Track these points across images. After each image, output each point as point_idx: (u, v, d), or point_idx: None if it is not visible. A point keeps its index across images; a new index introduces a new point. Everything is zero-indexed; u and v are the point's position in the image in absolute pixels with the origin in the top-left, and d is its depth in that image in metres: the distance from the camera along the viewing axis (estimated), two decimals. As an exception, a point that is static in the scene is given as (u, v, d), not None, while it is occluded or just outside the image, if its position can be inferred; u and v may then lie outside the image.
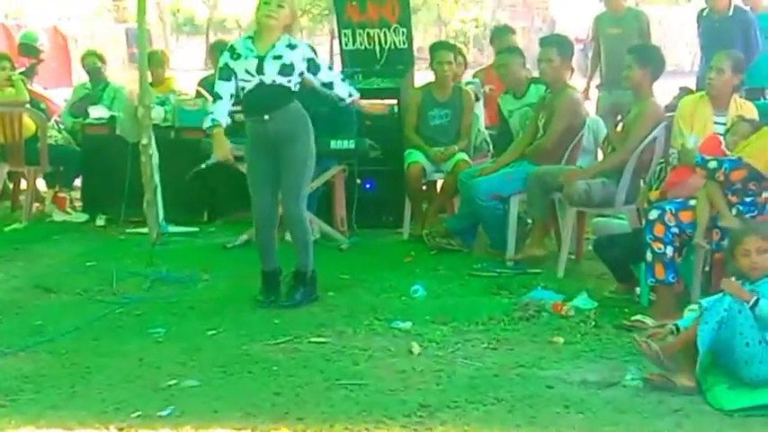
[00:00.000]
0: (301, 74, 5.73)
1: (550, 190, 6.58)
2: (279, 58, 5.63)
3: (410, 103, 7.86)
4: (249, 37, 5.77)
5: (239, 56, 5.68)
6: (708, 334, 4.20)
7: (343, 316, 5.57)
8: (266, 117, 5.68)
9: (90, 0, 36.29)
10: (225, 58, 5.74)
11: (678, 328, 4.42)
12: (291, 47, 5.68)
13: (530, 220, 7.00)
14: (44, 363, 4.85)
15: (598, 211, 6.73)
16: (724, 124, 5.78)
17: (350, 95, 6.09)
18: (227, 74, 5.72)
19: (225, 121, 5.78)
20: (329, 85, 5.96)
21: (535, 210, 6.74)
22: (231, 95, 5.75)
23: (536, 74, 7.47)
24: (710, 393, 4.24)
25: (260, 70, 5.63)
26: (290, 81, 5.67)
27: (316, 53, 5.87)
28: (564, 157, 6.85)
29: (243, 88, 5.71)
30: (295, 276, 5.93)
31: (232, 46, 5.82)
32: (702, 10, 8.97)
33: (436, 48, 8.03)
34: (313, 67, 5.79)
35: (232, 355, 4.92)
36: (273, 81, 5.63)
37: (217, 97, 5.79)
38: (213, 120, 5.76)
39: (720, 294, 4.33)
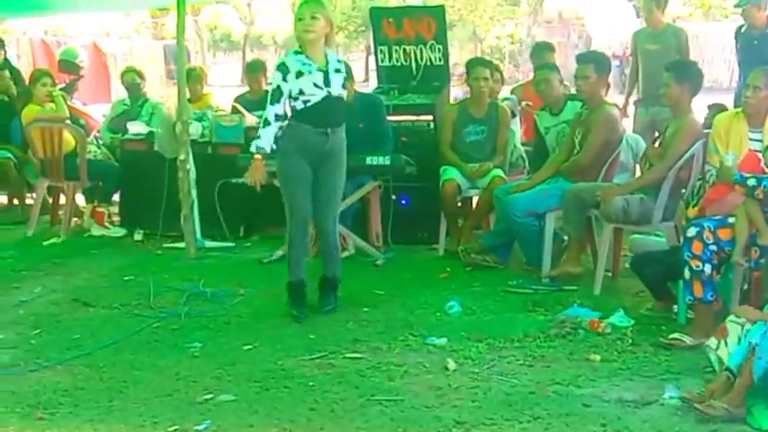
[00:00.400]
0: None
1: (587, 207, 6.55)
2: (339, 71, 5.82)
3: (445, 119, 7.86)
4: (297, 52, 5.79)
5: (300, 73, 5.70)
6: (763, 369, 4.14)
7: (379, 332, 5.57)
8: (329, 131, 5.78)
9: (129, 17, 36.67)
10: (277, 79, 5.75)
11: (732, 373, 4.29)
12: (339, 61, 5.89)
13: (566, 237, 6.97)
14: (82, 376, 4.89)
15: (635, 228, 6.68)
16: (760, 141, 5.73)
17: None
18: (278, 96, 5.74)
19: (269, 147, 5.82)
20: None
21: (571, 226, 6.71)
22: (277, 117, 5.76)
23: (573, 90, 7.46)
24: (750, 414, 4.18)
25: (327, 83, 5.73)
26: (345, 95, 5.91)
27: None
28: (601, 173, 6.81)
29: (307, 102, 5.71)
30: (327, 282, 6.07)
31: (284, 65, 5.76)
32: (741, 26, 8.92)
33: (473, 64, 8.03)
34: (345, 85, 6.00)
35: (268, 370, 4.93)
36: (339, 94, 5.80)
37: (266, 123, 5.80)
38: (259, 147, 5.81)
39: (762, 323, 4.26)
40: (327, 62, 5.78)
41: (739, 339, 4.36)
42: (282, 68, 5.74)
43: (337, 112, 5.84)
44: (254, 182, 5.95)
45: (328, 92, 5.73)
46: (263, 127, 5.82)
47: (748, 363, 4.17)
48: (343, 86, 5.88)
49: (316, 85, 5.70)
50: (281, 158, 5.89)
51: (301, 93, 5.69)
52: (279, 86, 5.73)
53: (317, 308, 6.01)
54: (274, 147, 5.82)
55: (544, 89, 7.51)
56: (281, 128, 5.79)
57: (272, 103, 5.76)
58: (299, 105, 5.73)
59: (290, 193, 5.86)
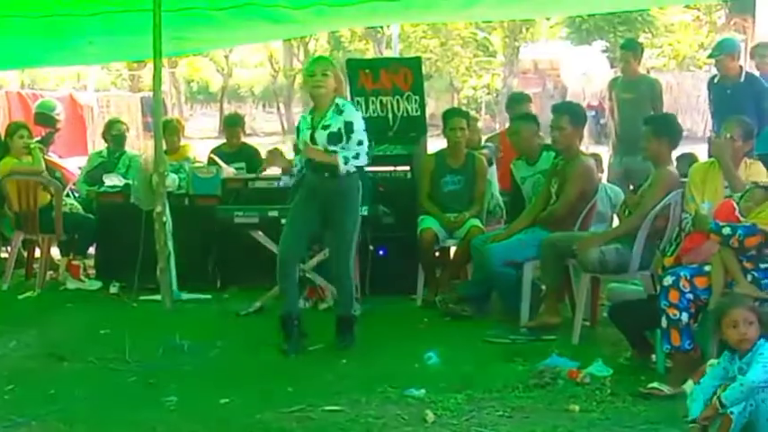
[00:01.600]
0: (345, 134, 6.18)
1: (564, 256, 6.57)
2: (327, 127, 6.15)
3: (423, 169, 7.90)
4: (310, 111, 6.40)
5: (300, 129, 6.37)
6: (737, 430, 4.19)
7: (357, 384, 5.52)
8: (326, 175, 6.18)
9: (107, 70, 36.74)
10: (296, 135, 6.50)
11: (722, 403, 4.27)
12: (339, 111, 6.16)
13: (543, 287, 6.97)
14: (56, 432, 4.82)
15: (613, 278, 6.69)
16: (736, 190, 5.77)
17: (344, 159, 6.21)
18: (298, 149, 6.49)
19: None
20: None
21: (549, 277, 6.72)
22: None
23: (548, 140, 7.51)
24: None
25: (313, 141, 6.20)
26: (341, 147, 6.13)
27: (360, 119, 6.31)
28: (577, 223, 6.85)
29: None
30: (343, 321, 6.39)
31: (299, 123, 6.50)
32: (714, 76, 9.03)
33: (449, 115, 8.08)
34: (347, 130, 6.17)
35: (245, 423, 4.89)
36: (326, 149, 6.16)
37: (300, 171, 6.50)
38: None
39: (737, 385, 4.26)
40: (323, 116, 6.19)
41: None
42: (297, 127, 6.51)
43: (325, 163, 6.18)
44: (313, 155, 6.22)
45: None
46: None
47: (725, 425, 4.17)
48: (332, 142, 6.14)
49: (306, 143, 6.23)
50: (292, 202, 6.45)
51: (305, 145, 6.26)
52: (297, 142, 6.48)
53: (335, 345, 6.29)
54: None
55: (516, 140, 7.58)
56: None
57: (297, 155, 6.59)
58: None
59: (285, 231, 6.36)
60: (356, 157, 6.20)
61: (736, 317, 4.40)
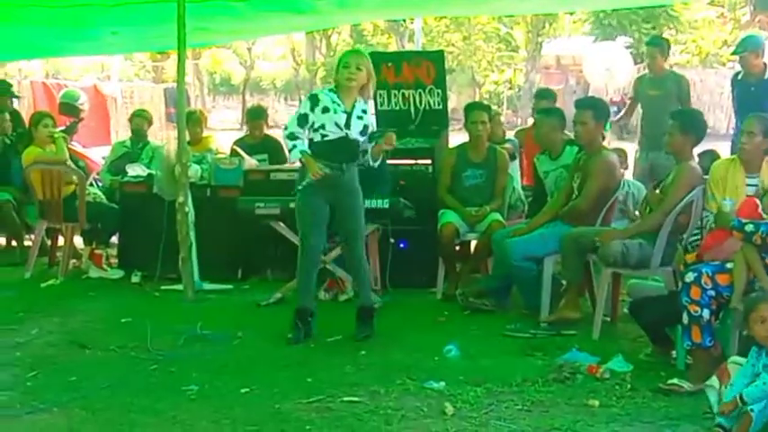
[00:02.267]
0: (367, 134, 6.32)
1: (585, 251, 6.55)
2: (361, 118, 6.24)
3: (444, 163, 7.90)
4: (332, 90, 6.28)
5: (326, 109, 6.17)
6: (758, 428, 4.21)
7: (376, 375, 5.54)
8: (344, 167, 6.20)
9: (130, 60, 36.91)
10: (306, 108, 6.24)
11: (723, 428, 4.32)
12: (365, 111, 6.29)
13: (564, 282, 6.96)
14: (78, 419, 4.86)
15: (633, 273, 6.67)
16: (756, 186, 5.76)
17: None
18: (303, 122, 6.22)
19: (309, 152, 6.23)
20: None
21: (569, 271, 6.71)
22: (299, 135, 6.26)
23: (571, 135, 7.50)
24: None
25: (348, 125, 6.19)
26: (363, 141, 6.25)
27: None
28: (599, 218, 6.83)
29: (325, 136, 6.18)
30: (363, 311, 6.43)
31: (316, 97, 6.29)
32: (737, 74, 8.99)
33: (470, 108, 8.08)
34: (365, 131, 6.32)
35: (265, 413, 4.91)
36: (355, 138, 6.23)
37: (293, 137, 6.24)
38: (303, 151, 6.20)
39: (760, 383, 4.25)
40: (354, 107, 6.20)
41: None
42: (313, 99, 6.27)
43: (351, 150, 6.26)
44: (318, 176, 6.11)
45: (347, 133, 6.19)
46: (294, 140, 6.24)
47: (745, 424, 4.17)
48: (363, 133, 6.25)
49: (337, 124, 6.16)
50: (299, 195, 6.31)
51: (322, 127, 6.16)
52: (306, 114, 6.21)
53: (353, 336, 6.29)
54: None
55: (539, 134, 7.54)
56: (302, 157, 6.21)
57: (299, 125, 6.22)
58: (317, 138, 6.21)
59: (303, 227, 6.33)
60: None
61: (764, 312, 4.39)
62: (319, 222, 6.29)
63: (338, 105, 6.18)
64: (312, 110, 6.19)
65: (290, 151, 6.40)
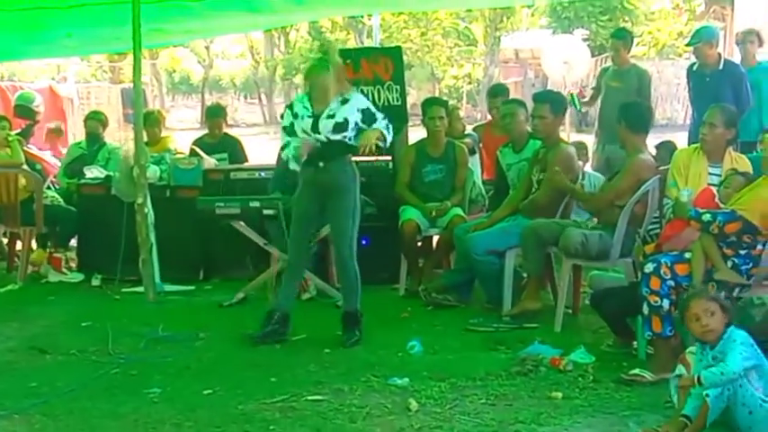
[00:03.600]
0: (356, 125, 6.08)
1: (546, 243, 6.59)
2: (332, 116, 6.03)
3: (403, 160, 7.90)
4: (306, 95, 6.23)
5: (296, 115, 6.16)
6: (716, 415, 4.23)
7: (340, 373, 5.54)
8: (321, 164, 6.11)
9: (87, 61, 36.54)
10: (287, 119, 6.24)
11: (688, 419, 4.31)
12: (344, 101, 6.07)
13: (525, 275, 7.00)
14: (39, 425, 4.80)
15: (594, 265, 6.72)
16: (719, 176, 5.83)
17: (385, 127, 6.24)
18: (291, 131, 6.21)
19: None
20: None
21: (530, 263, 6.73)
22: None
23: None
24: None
25: (315, 129, 6.07)
26: (344, 137, 6.07)
27: (371, 103, 6.30)
28: (558, 211, 6.87)
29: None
30: (347, 317, 6.27)
31: (291, 105, 6.31)
32: (692, 65, 9.05)
33: (427, 104, 8.08)
34: (368, 117, 6.13)
35: (228, 414, 4.88)
36: (328, 138, 6.02)
37: (287, 144, 6.25)
38: (296, 147, 6.14)
39: (717, 372, 4.29)
40: (326, 107, 6.07)
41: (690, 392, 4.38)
42: (290, 108, 6.28)
43: (327, 151, 6.10)
44: (308, 147, 6.09)
45: (316, 137, 6.06)
46: (287, 144, 6.23)
47: (703, 410, 4.21)
48: (338, 130, 6.04)
49: (304, 131, 6.09)
50: (294, 198, 6.38)
51: (303, 132, 6.12)
52: (292, 122, 6.20)
53: (341, 342, 6.13)
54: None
55: (509, 123, 7.54)
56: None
57: (288, 135, 6.22)
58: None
59: (291, 229, 6.38)
60: (387, 128, 6.20)
61: (696, 309, 4.44)
62: (302, 222, 6.28)
63: (306, 110, 6.11)
64: (294, 118, 6.17)
65: (289, 159, 6.26)
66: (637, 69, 9.56)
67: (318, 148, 6.07)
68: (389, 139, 6.22)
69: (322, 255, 7.58)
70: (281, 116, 6.47)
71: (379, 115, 6.19)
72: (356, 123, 6.08)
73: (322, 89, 6.09)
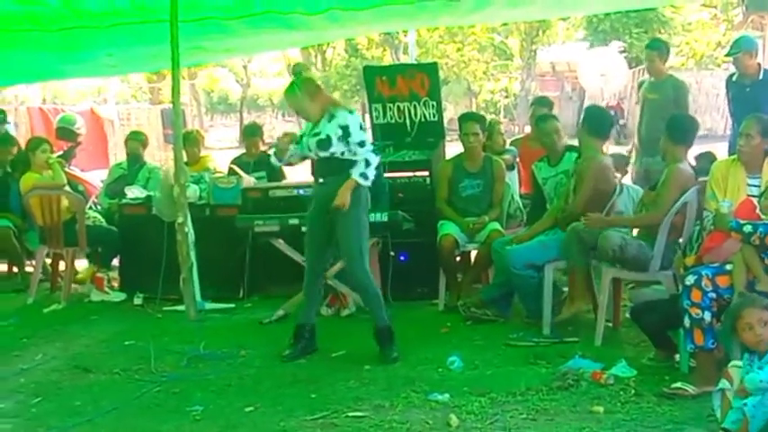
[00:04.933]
0: (341, 139, 6.10)
1: (587, 247, 6.51)
2: (317, 134, 6.15)
3: (441, 175, 7.91)
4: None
5: (302, 134, 6.41)
6: (759, 428, 4.17)
7: (381, 389, 5.54)
8: (321, 180, 6.28)
9: (127, 83, 36.98)
10: (302, 132, 6.50)
11: (745, 386, 4.28)
12: (330, 118, 6.16)
13: (565, 289, 6.96)
14: (83, 443, 4.86)
15: (634, 277, 6.67)
16: (758, 186, 5.76)
17: (361, 176, 6.15)
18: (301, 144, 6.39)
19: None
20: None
21: (575, 261, 6.59)
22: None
23: (571, 142, 7.50)
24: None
25: (307, 147, 6.25)
26: (332, 153, 6.11)
27: (359, 123, 6.22)
28: (598, 223, 6.81)
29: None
30: (380, 333, 6.26)
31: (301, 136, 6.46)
32: (732, 75, 8.99)
33: (462, 120, 8.10)
34: (344, 134, 6.11)
35: (270, 431, 4.91)
36: (317, 155, 6.17)
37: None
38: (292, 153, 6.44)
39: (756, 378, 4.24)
40: (315, 126, 6.21)
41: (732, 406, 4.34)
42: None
43: (323, 168, 6.24)
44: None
45: (308, 156, 6.33)
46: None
47: (744, 423, 4.16)
48: (322, 146, 6.12)
49: (301, 149, 6.34)
50: (307, 214, 6.53)
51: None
52: (301, 136, 6.42)
53: (380, 360, 6.14)
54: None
55: (547, 141, 7.51)
56: None
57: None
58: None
59: (305, 242, 6.49)
60: (367, 164, 6.15)
61: (750, 319, 4.38)
62: (314, 238, 6.33)
63: (305, 129, 6.38)
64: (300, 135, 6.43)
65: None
66: (673, 80, 9.49)
67: (316, 165, 6.30)
68: (370, 176, 6.18)
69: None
70: None
71: (355, 140, 6.12)
72: (338, 139, 6.10)
73: (298, 110, 6.44)
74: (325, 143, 6.11)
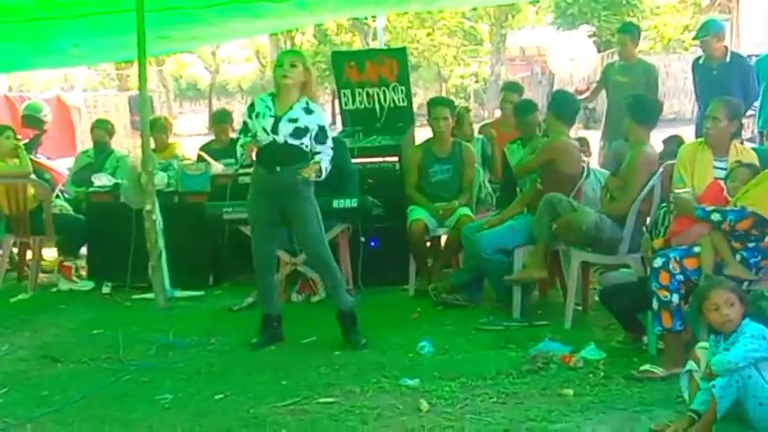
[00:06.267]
0: (312, 137, 6.03)
1: (557, 216, 6.50)
2: (294, 120, 6.00)
3: (410, 160, 7.90)
4: (270, 94, 6.14)
5: (258, 114, 6.07)
6: (726, 408, 4.19)
7: (351, 375, 5.54)
8: (278, 169, 6.01)
9: (94, 70, 36.64)
10: (245, 115, 6.19)
11: (697, 413, 4.30)
12: (308, 111, 6.04)
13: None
14: (51, 434, 4.81)
15: (603, 261, 6.70)
16: (725, 169, 5.80)
17: (325, 170, 6.08)
18: (246, 129, 6.20)
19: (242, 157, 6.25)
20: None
21: (541, 228, 6.56)
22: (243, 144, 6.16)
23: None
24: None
25: (275, 130, 6.00)
26: (302, 143, 6.01)
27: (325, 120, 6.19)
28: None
29: (258, 143, 6.05)
30: (343, 318, 6.23)
31: (252, 104, 6.22)
32: (698, 58, 9.04)
33: (432, 104, 8.06)
34: (321, 135, 6.08)
35: (240, 418, 4.89)
36: (285, 141, 5.97)
37: (238, 142, 6.26)
38: (243, 143, 6.15)
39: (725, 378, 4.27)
40: (290, 109, 6.01)
41: (699, 387, 4.38)
42: (250, 107, 6.21)
43: (282, 154, 6.01)
44: (251, 150, 6.09)
45: (274, 138, 6.00)
46: (237, 140, 6.35)
47: (712, 404, 4.19)
48: (296, 135, 5.98)
49: (264, 129, 6.03)
50: (248, 203, 6.28)
51: (255, 134, 6.07)
52: (245, 122, 6.19)
53: (350, 345, 6.10)
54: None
55: (527, 131, 7.51)
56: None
57: (241, 133, 6.27)
58: (256, 146, 6.07)
59: (252, 234, 6.29)
60: (329, 161, 6.11)
61: (716, 300, 4.42)
62: (263, 226, 6.17)
63: (269, 110, 6.04)
64: (250, 117, 6.12)
65: (237, 155, 6.35)
66: (644, 64, 9.53)
67: (275, 151, 6.01)
68: (324, 174, 6.07)
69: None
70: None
71: (329, 143, 6.12)
72: (312, 136, 6.04)
73: (285, 82, 6.00)
74: (301, 133, 6.00)
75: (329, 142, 6.13)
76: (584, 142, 8.51)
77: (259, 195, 6.16)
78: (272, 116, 6.02)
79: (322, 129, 6.08)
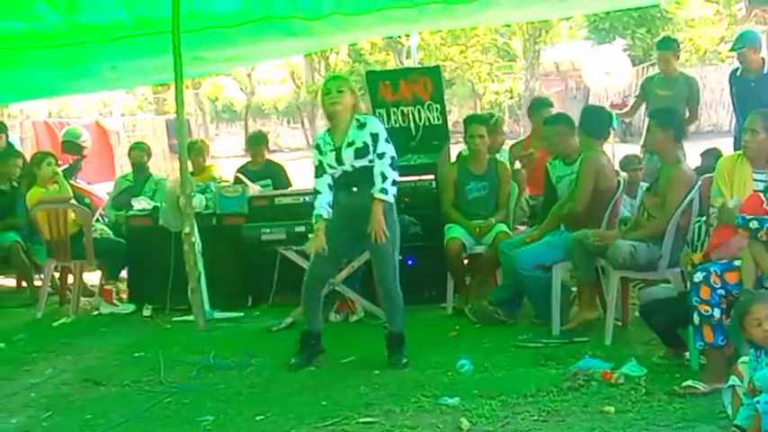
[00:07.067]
0: (373, 148, 6.04)
1: (593, 253, 6.52)
2: (351, 144, 6.03)
3: (446, 178, 7.90)
4: (328, 131, 6.23)
5: (323, 152, 6.17)
6: None
7: (390, 394, 5.54)
8: (354, 189, 6.10)
9: (132, 94, 37.06)
10: (316, 156, 6.24)
11: (740, 428, 4.26)
12: (361, 126, 6.07)
13: (574, 289, 6.95)
14: (95, 456, 4.87)
15: (642, 276, 6.65)
16: (764, 181, 5.74)
17: (382, 192, 6.04)
18: (321, 171, 6.21)
19: (326, 212, 6.17)
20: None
21: (580, 271, 6.66)
22: (330, 186, 6.19)
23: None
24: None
25: (339, 161, 6.10)
26: (370, 162, 6.04)
27: (386, 133, 6.16)
28: (602, 221, 6.79)
29: (334, 175, 6.16)
30: (393, 338, 6.25)
31: (318, 145, 6.25)
32: (735, 70, 8.97)
33: (467, 122, 8.06)
34: (373, 142, 6.05)
35: (281, 439, 4.91)
36: (353, 166, 6.03)
37: (317, 193, 6.21)
38: (316, 215, 6.17)
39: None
40: (346, 135, 6.07)
41: (743, 402, 4.33)
42: (316, 147, 6.27)
43: (357, 178, 6.10)
44: (312, 251, 6.18)
45: (342, 170, 6.09)
46: (315, 198, 6.23)
47: (757, 420, 4.14)
48: (360, 155, 6.02)
49: (330, 165, 6.13)
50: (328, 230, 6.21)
51: (330, 167, 6.14)
52: (320, 161, 6.20)
53: (390, 365, 6.12)
54: (330, 211, 6.17)
55: (549, 145, 7.45)
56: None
57: (317, 177, 6.22)
58: (335, 175, 6.16)
59: (313, 257, 6.26)
60: (384, 178, 6.01)
61: (758, 314, 4.37)
62: (331, 251, 6.13)
63: (329, 145, 6.12)
64: (320, 154, 6.18)
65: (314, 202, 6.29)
66: (685, 77, 9.46)
67: (347, 179, 6.10)
68: (390, 191, 6.02)
69: (368, 277, 7.59)
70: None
71: (381, 147, 6.04)
72: (372, 147, 6.04)
73: (336, 109, 6.07)
74: (363, 151, 6.04)
75: (381, 147, 6.04)
76: (635, 159, 8.47)
77: (338, 216, 6.17)
78: (332, 150, 6.10)
79: (374, 137, 6.05)
